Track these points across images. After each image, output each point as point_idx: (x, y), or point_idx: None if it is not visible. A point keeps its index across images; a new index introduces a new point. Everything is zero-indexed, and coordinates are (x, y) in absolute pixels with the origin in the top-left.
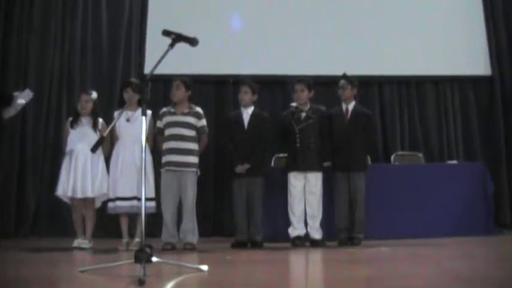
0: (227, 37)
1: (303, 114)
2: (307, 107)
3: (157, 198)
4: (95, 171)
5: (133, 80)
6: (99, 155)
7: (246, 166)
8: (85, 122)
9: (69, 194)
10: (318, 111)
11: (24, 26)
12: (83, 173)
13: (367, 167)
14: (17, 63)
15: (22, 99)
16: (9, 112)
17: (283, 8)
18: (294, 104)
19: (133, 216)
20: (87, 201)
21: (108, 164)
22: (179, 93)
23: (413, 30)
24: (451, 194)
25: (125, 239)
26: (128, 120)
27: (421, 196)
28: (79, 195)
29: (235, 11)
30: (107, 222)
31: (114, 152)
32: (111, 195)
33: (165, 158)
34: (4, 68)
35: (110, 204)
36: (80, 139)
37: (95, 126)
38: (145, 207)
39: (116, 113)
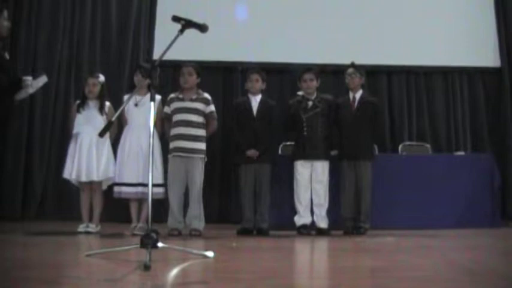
0: (236, 24)
1: (310, 103)
2: (314, 95)
3: (165, 184)
4: (100, 155)
5: (143, 64)
6: (105, 138)
7: (257, 152)
8: (92, 105)
9: (74, 176)
10: (325, 100)
11: (34, 11)
12: (88, 156)
13: (374, 156)
14: (26, 48)
15: (36, 83)
16: (21, 94)
17: None
18: (300, 93)
19: (141, 202)
20: (94, 185)
21: (116, 148)
22: (191, 79)
23: (422, 20)
24: (458, 185)
25: (134, 224)
26: (136, 104)
27: (427, 187)
28: (84, 178)
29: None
30: (115, 207)
31: (122, 137)
32: (117, 180)
33: (173, 144)
34: (13, 53)
35: (116, 189)
36: (86, 122)
37: (101, 109)
38: (153, 193)
39: (125, 97)
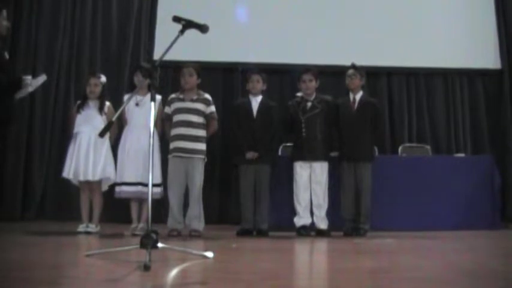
0: (236, 25)
1: (309, 104)
2: (313, 96)
3: (164, 184)
4: (98, 155)
5: (143, 64)
6: (105, 138)
7: (256, 154)
8: (92, 105)
9: (71, 176)
10: (324, 101)
11: (34, 11)
12: (85, 156)
13: (374, 157)
14: (27, 48)
15: (35, 82)
16: (20, 93)
17: None
18: (299, 94)
19: (141, 202)
20: (93, 185)
21: (117, 148)
22: (192, 80)
23: (422, 21)
24: (458, 187)
25: (134, 224)
26: (137, 104)
27: (427, 188)
28: (81, 177)
29: (244, 1)
30: (116, 208)
31: (123, 137)
32: (118, 180)
33: (173, 144)
34: (13, 52)
35: (117, 189)
36: (86, 122)
37: (101, 109)
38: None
39: (125, 97)
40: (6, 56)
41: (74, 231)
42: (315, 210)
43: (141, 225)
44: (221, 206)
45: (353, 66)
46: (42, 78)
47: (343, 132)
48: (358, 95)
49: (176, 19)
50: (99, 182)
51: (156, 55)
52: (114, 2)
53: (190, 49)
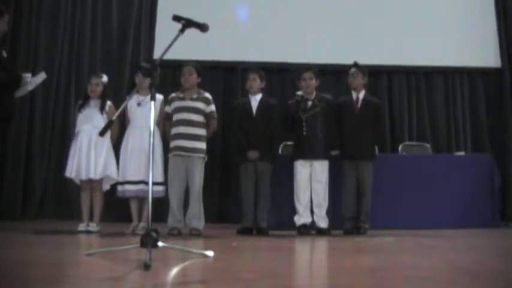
0: (236, 24)
1: (309, 103)
2: (313, 95)
3: (165, 182)
4: (98, 153)
5: (143, 64)
6: (105, 137)
7: (256, 154)
8: (93, 104)
9: (73, 175)
10: (325, 100)
11: (34, 10)
12: (87, 154)
13: (376, 156)
14: (27, 46)
15: (34, 80)
16: (20, 92)
17: None
18: (299, 93)
19: (142, 201)
20: (95, 184)
21: (118, 147)
22: (192, 78)
23: (423, 20)
24: (458, 186)
25: (134, 223)
26: (139, 104)
27: (427, 187)
28: (83, 176)
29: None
30: (116, 207)
31: (125, 136)
32: (120, 179)
33: (173, 143)
34: (14, 52)
35: (119, 188)
36: (86, 121)
37: (102, 108)
38: (153, 192)
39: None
40: (4, 54)
41: (74, 230)
42: (315, 209)
43: (141, 224)
44: (221, 205)
45: (355, 65)
46: (41, 77)
47: (346, 131)
48: (361, 94)
49: (176, 18)
50: (100, 181)
51: (156, 54)
52: (114, 1)
53: (190, 48)
